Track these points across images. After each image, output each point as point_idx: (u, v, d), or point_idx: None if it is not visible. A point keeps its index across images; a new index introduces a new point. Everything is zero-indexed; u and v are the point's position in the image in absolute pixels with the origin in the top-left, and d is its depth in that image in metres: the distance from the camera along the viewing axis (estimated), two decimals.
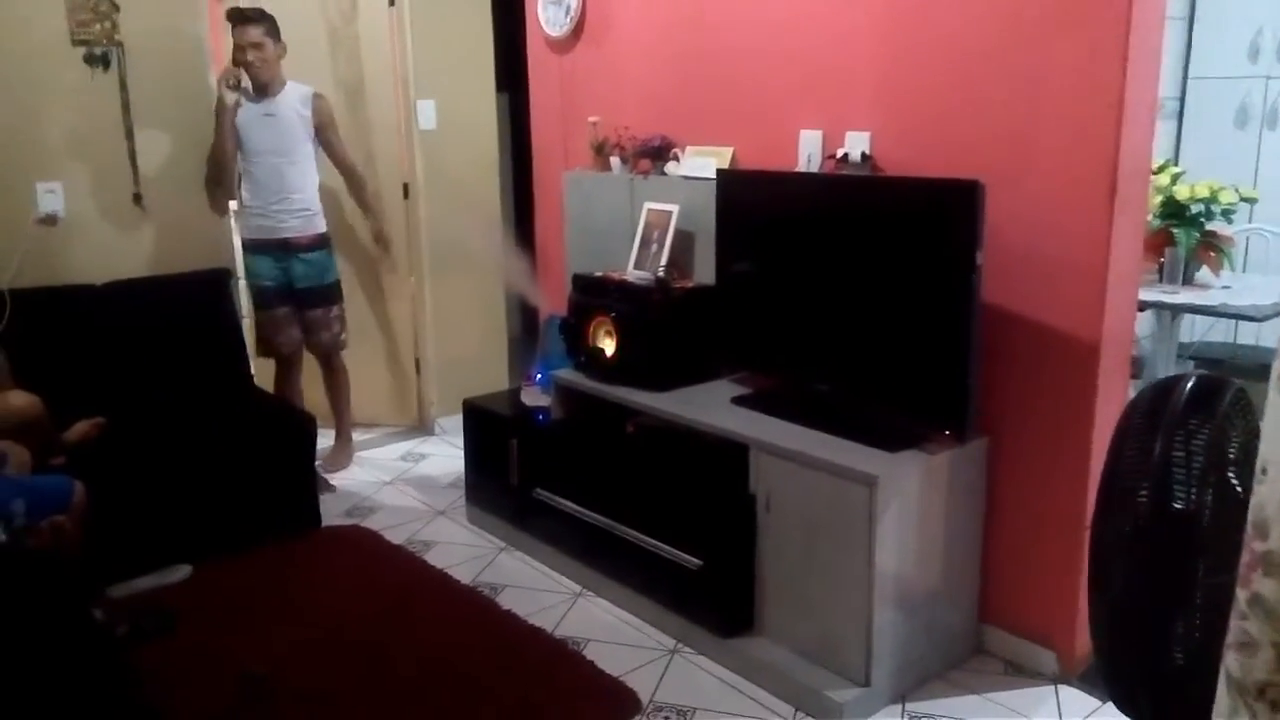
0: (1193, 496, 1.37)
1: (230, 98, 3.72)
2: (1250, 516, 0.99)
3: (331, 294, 4.09)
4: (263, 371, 4.43)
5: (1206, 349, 4.34)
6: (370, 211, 4.26)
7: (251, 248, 3.95)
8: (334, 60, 4.44)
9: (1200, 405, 1.43)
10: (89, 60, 3.60)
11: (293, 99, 3.86)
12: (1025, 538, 2.69)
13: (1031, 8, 2.47)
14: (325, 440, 4.09)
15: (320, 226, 4.01)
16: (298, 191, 3.89)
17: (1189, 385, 1.44)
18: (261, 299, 3.98)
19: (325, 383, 4.23)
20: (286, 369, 4.07)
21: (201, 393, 3.67)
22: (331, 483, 4.06)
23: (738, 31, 3.20)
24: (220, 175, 3.87)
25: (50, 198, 3.59)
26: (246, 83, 3.78)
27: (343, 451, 4.31)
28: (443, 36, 4.45)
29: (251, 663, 2.70)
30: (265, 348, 4.06)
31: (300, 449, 3.59)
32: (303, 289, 3.98)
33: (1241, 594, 1.01)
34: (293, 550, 3.45)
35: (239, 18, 3.72)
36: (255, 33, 3.70)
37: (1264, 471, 0.97)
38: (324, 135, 3.98)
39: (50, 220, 3.60)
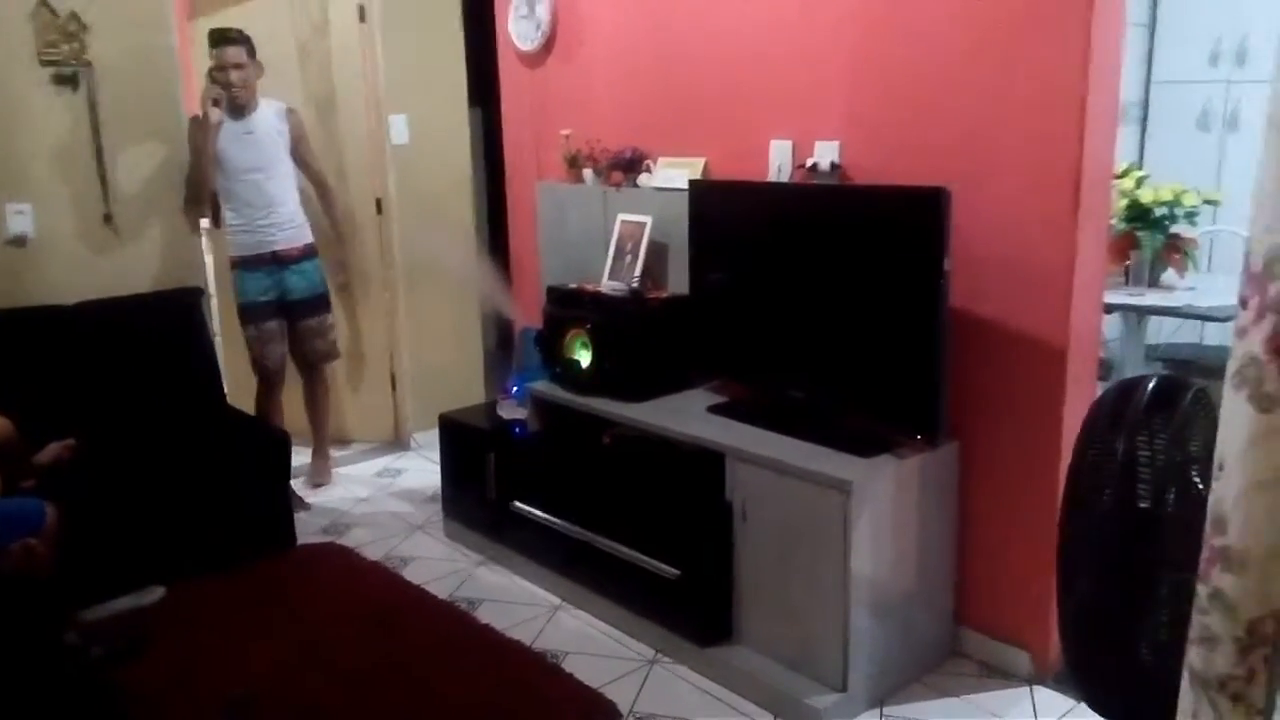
0: (1155, 495, 1.40)
1: (215, 116, 3.74)
2: (1209, 513, 1.02)
3: (324, 303, 4.15)
4: (240, 391, 4.41)
5: (1174, 350, 4.39)
6: (337, 232, 4.27)
7: (241, 264, 3.96)
8: (305, 75, 4.44)
9: (1161, 405, 1.45)
10: (57, 81, 3.58)
11: (268, 115, 3.91)
12: (998, 540, 2.72)
13: (995, 17, 2.51)
14: (300, 458, 4.07)
15: (308, 236, 4.07)
16: (283, 205, 3.95)
17: (1150, 386, 1.47)
18: (251, 315, 3.98)
19: (306, 396, 4.23)
20: (270, 386, 4.06)
21: (174, 412, 3.64)
22: (307, 501, 4.05)
23: (708, 43, 3.23)
24: (200, 194, 3.90)
25: (19, 218, 3.56)
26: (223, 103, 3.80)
27: (324, 466, 4.31)
28: (414, 51, 4.46)
29: (230, 685, 2.68)
30: (255, 365, 4.05)
31: (274, 467, 3.57)
32: (296, 300, 4.02)
33: (1202, 589, 1.03)
34: (269, 569, 3.43)
35: (221, 39, 3.76)
36: (237, 53, 3.76)
37: (1220, 468, 0.99)
38: (299, 150, 4.03)
39: (19, 241, 3.57)
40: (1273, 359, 0.90)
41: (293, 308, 4.03)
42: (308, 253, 4.06)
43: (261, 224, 3.91)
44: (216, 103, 3.74)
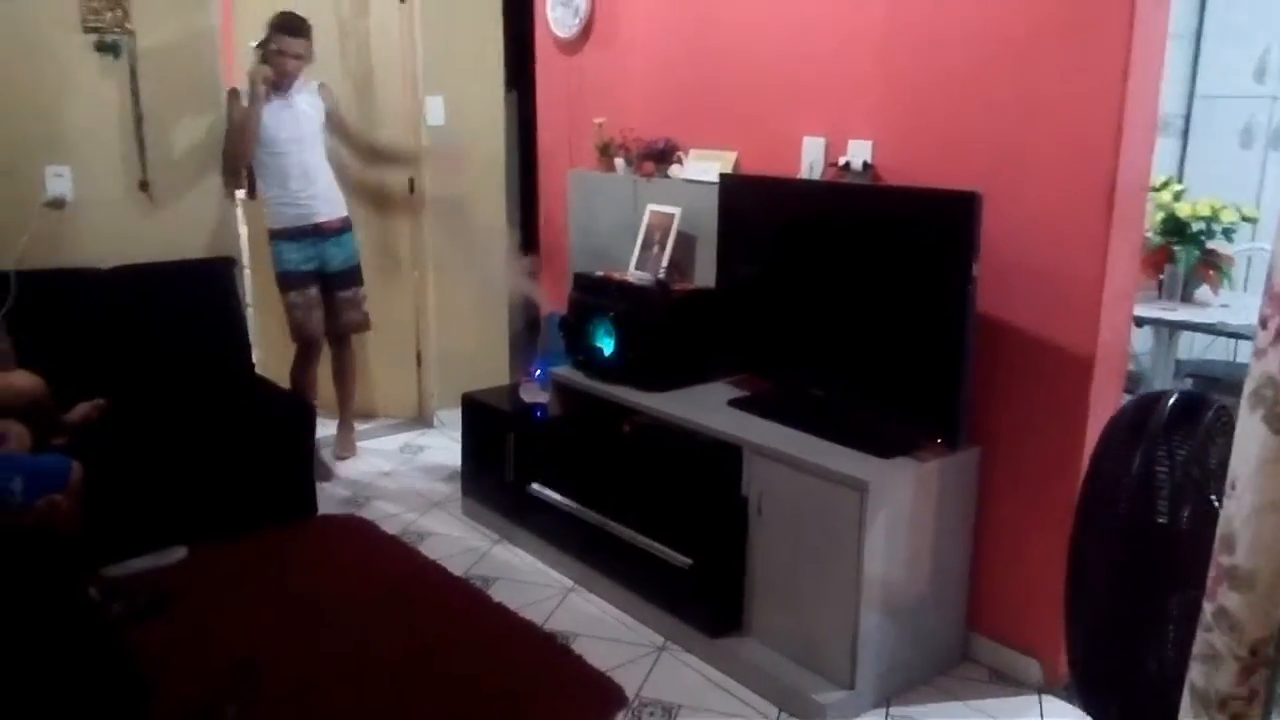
0: (1170, 511, 1.39)
1: (260, 90, 3.81)
2: (1218, 531, 1.02)
3: (359, 275, 4.23)
4: (269, 361, 4.46)
5: (1205, 367, 4.35)
6: (398, 160, 4.35)
7: (283, 235, 4.01)
8: (344, 54, 4.47)
9: (1182, 421, 1.45)
10: (100, 48, 3.63)
11: (305, 92, 3.99)
12: (1014, 548, 2.71)
13: (1034, 22, 2.49)
14: (325, 429, 4.12)
15: (345, 209, 4.15)
16: (322, 176, 4.03)
17: (1171, 401, 1.46)
18: (294, 282, 4.03)
19: (335, 369, 4.29)
20: (309, 355, 4.11)
21: (203, 378, 3.69)
22: (334, 471, 4.10)
23: (744, 38, 3.23)
24: (238, 166, 3.99)
25: (58, 181, 3.62)
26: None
27: (349, 439, 4.38)
28: (453, 33, 4.48)
29: (242, 648, 2.73)
30: (292, 331, 4.09)
31: (298, 437, 3.62)
32: (335, 271, 4.10)
33: (1208, 607, 1.03)
34: (288, 537, 3.48)
35: (289, 28, 3.83)
36: (303, 46, 3.86)
37: (1233, 487, 0.99)
38: (334, 121, 4.11)
39: (58, 204, 3.63)
40: None
41: (330, 279, 4.10)
42: (346, 225, 4.14)
43: (304, 196, 3.98)
44: (267, 82, 3.81)
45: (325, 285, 4.10)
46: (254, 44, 3.89)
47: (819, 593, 2.56)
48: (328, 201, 4.05)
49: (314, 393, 4.13)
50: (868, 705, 2.58)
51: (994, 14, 2.57)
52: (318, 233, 4.03)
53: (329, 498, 3.82)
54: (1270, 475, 0.92)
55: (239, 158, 3.94)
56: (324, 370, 4.27)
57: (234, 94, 3.89)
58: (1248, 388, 0.96)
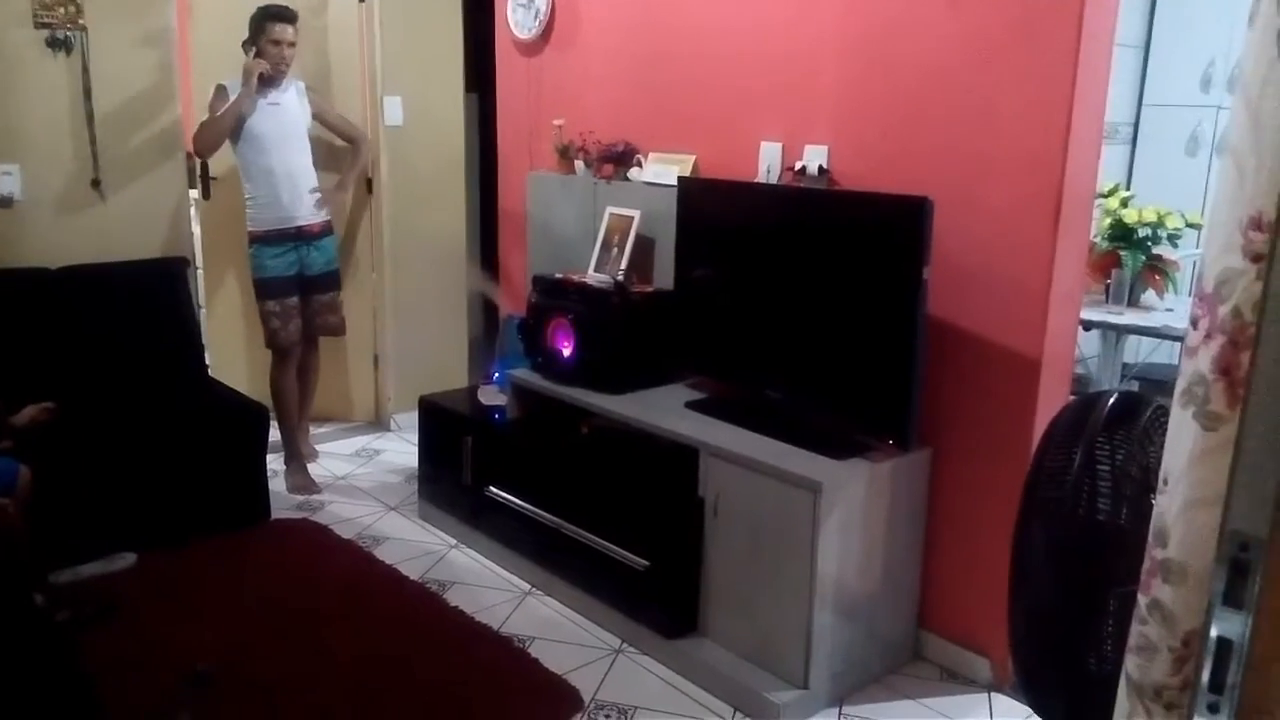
0: (1110, 507, 1.43)
1: (255, 86, 3.74)
2: (1152, 525, 1.05)
3: (338, 279, 4.19)
4: (223, 363, 4.41)
5: (1150, 370, 4.44)
6: (343, 181, 4.22)
7: (264, 239, 3.91)
8: (301, 53, 4.43)
9: (1122, 420, 1.48)
10: (51, 44, 3.58)
11: (292, 92, 3.94)
12: (964, 547, 2.76)
13: (986, 32, 2.54)
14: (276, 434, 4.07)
15: (327, 214, 4.08)
16: (306, 178, 3.97)
17: (1111, 401, 1.50)
18: (273, 290, 3.94)
19: (298, 367, 4.18)
20: (285, 361, 4.03)
21: (155, 381, 3.64)
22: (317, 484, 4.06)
23: (703, 42, 3.25)
24: (214, 145, 3.88)
25: (6, 179, 3.56)
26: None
27: (306, 439, 4.33)
28: (412, 34, 4.46)
29: (194, 655, 2.69)
30: (271, 339, 4.00)
31: (251, 439, 3.58)
32: (315, 275, 4.04)
33: (1142, 599, 1.06)
34: (241, 541, 3.44)
35: (280, 16, 3.78)
36: (292, 31, 3.81)
37: (1165, 482, 1.02)
38: (323, 117, 4.09)
39: (6, 202, 3.57)
40: (1219, 378, 0.93)
41: (310, 282, 4.04)
42: (327, 229, 4.08)
43: (287, 198, 3.89)
44: (263, 76, 3.75)
45: (304, 289, 4.02)
46: (244, 40, 3.80)
47: (773, 593, 2.58)
48: (311, 204, 3.97)
49: (295, 395, 4.08)
50: (822, 704, 2.61)
51: (947, 23, 2.62)
52: (300, 236, 3.95)
53: (281, 503, 3.78)
54: (1200, 471, 0.94)
55: (213, 142, 3.84)
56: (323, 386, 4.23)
57: (220, 90, 3.80)
58: (1179, 385, 0.98)
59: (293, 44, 3.82)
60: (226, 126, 3.78)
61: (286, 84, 3.91)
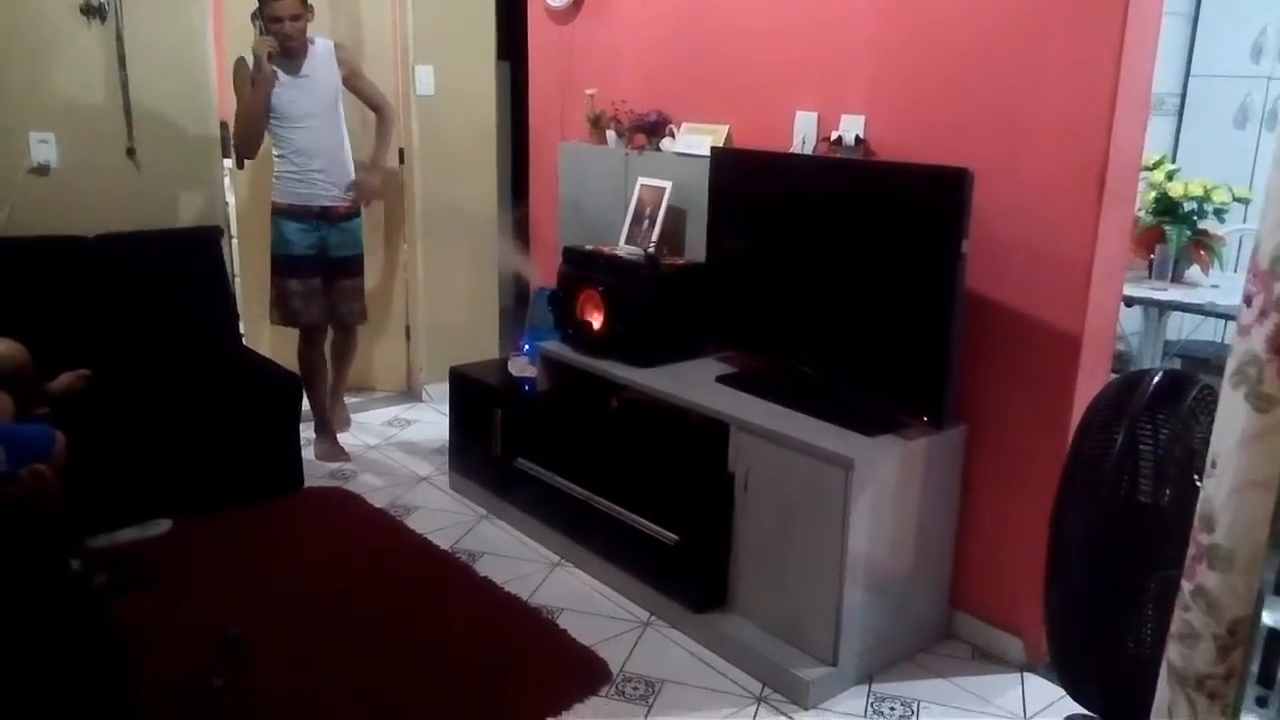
0: (1153, 489, 1.39)
1: (268, 69, 3.62)
2: (1198, 509, 1.01)
3: (361, 265, 4.06)
4: (256, 333, 4.43)
5: (1194, 347, 4.35)
6: (373, 159, 4.11)
7: (287, 213, 3.82)
8: (333, 21, 4.42)
9: (1165, 400, 1.44)
10: (85, 11, 3.58)
11: (322, 58, 3.79)
12: (999, 526, 2.72)
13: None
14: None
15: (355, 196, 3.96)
16: (335, 154, 3.84)
17: (1155, 380, 1.46)
18: (291, 267, 3.86)
19: (335, 349, 4.17)
20: (313, 339, 3.99)
21: (189, 349, 3.67)
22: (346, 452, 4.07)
23: (737, 10, 3.19)
24: (253, 145, 3.79)
25: (43, 148, 3.58)
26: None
27: (341, 410, 4.31)
28: (444, 2, 4.42)
29: (226, 621, 2.72)
30: (286, 316, 3.94)
31: (285, 408, 3.60)
32: (338, 258, 3.92)
33: (1186, 585, 1.03)
34: (274, 510, 3.47)
35: None
36: (295, 4, 3.61)
37: (1213, 465, 0.98)
38: (353, 83, 3.93)
39: (42, 170, 3.59)
40: (1273, 358, 0.89)
41: (332, 265, 3.93)
42: (354, 210, 3.96)
43: (315, 173, 3.79)
44: (271, 56, 3.61)
45: (328, 271, 3.93)
46: (252, 15, 3.69)
47: (803, 569, 2.56)
48: (340, 184, 3.86)
49: (325, 373, 4.05)
50: (850, 682, 2.59)
51: None
52: (323, 216, 3.85)
53: (314, 471, 3.81)
54: (1251, 453, 0.91)
55: (250, 139, 3.75)
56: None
57: (240, 63, 3.68)
58: (1230, 365, 0.95)
59: (296, 15, 3.60)
60: (259, 117, 3.68)
61: (315, 49, 3.76)
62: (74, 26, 3.57)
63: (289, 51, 3.68)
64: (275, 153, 3.82)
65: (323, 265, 3.92)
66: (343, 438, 4.17)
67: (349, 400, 4.53)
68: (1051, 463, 2.55)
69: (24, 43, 3.50)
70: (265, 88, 3.65)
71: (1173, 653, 1.04)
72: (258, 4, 3.64)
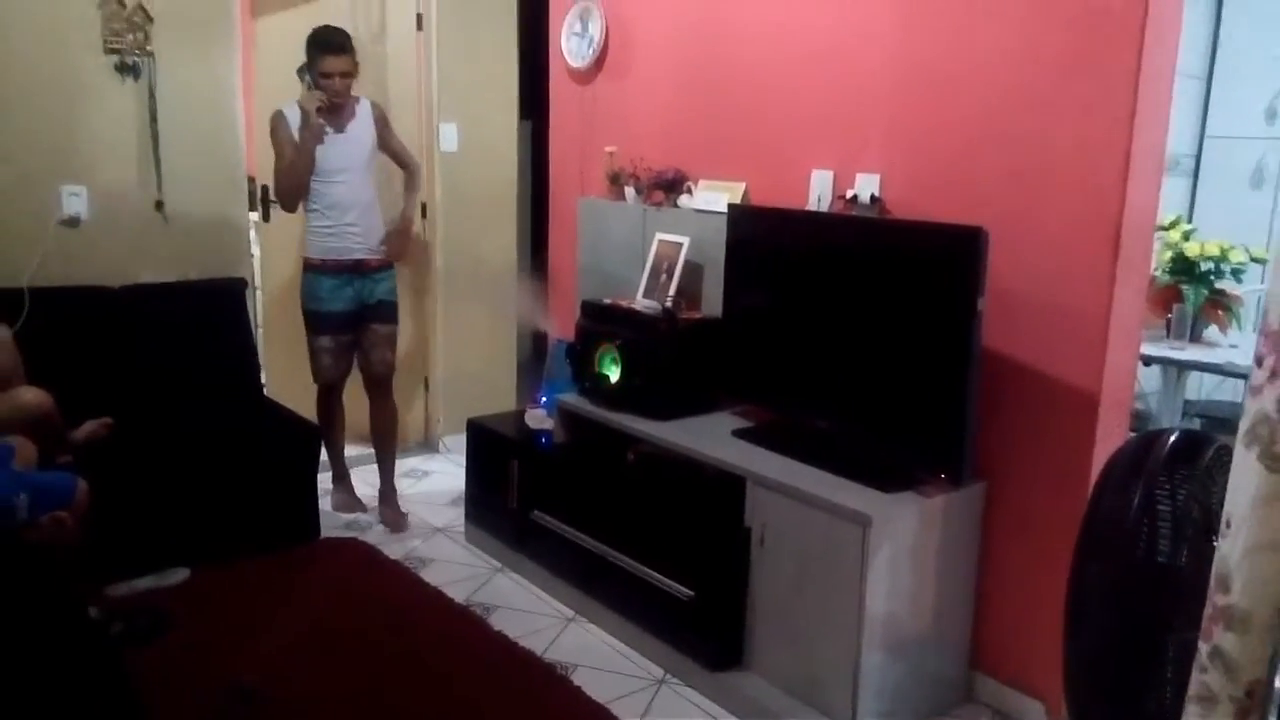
0: (1170, 549, 1.38)
1: (316, 124, 3.61)
2: (1214, 570, 1.01)
3: (396, 312, 3.96)
4: (278, 384, 4.47)
5: (1213, 407, 4.32)
6: (403, 219, 4.00)
7: (320, 269, 3.75)
8: (360, 79, 4.50)
9: (1184, 459, 1.44)
10: (120, 69, 3.69)
11: (362, 115, 3.79)
12: (1019, 586, 2.69)
13: (1043, 60, 2.51)
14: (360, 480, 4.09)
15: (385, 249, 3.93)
16: (367, 209, 3.80)
17: (1172, 439, 1.46)
18: (326, 325, 3.79)
19: (374, 422, 4.03)
20: (332, 396, 3.95)
21: (211, 399, 3.71)
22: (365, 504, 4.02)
23: (754, 70, 3.25)
24: (296, 196, 3.75)
25: (74, 200, 3.66)
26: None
27: (394, 506, 4.03)
28: (468, 61, 4.52)
29: (241, 671, 2.72)
30: (314, 372, 3.88)
31: (304, 459, 3.62)
32: (371, 305, 3.83)
33: (1203, 647, 1.02)
34: (291, 560, 3.48)
35: (328, 46, 3.58)
36: (346, 62, 3.61)
37: (1228, 525, 0.98)
38: (385, 139, 3.89)
39: (73, 222, 3.67)
40: None
41: (366, 313, 3.84)
42: (386, 264, 3.90)
43: (348, 227, 3.74)
44: (320, 110, 3.60)
45: (361, 318, 3.84)
46: (299, 69, 3.70)
47: (821, 627, 2.54)
48: (370, 239, 3.80)
49: (343, 428, 4.02)
50: None
51: (1003, 51, 2.59)
52: (357, 269, 3.77)
53: (330, 522, 3.82)
54: (1266, 514, 0.91)
55: (294, 193, 3.72)
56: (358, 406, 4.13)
57: (279, 117, 3.65)
58: (1243, 425, 0.95)
59: (346, 73, 3.60)
60: (305, 170, 3.64)
61: (353, 108, 3.76)
62: (108, 82, 3.68)
63: (334, 107, 3.67)
64: (309, 207, 3.78)
65: (356, 318, 3.84)
66: (359, 489, 4.14)
67: (364, 450, 4.34)
68: (1070, 521, 2.52)
69: (59, 98, 3.60)
70: (313, 142, 3.63)
71: (1191, 716, 1.03)
72: (307, 59, 3.63)
